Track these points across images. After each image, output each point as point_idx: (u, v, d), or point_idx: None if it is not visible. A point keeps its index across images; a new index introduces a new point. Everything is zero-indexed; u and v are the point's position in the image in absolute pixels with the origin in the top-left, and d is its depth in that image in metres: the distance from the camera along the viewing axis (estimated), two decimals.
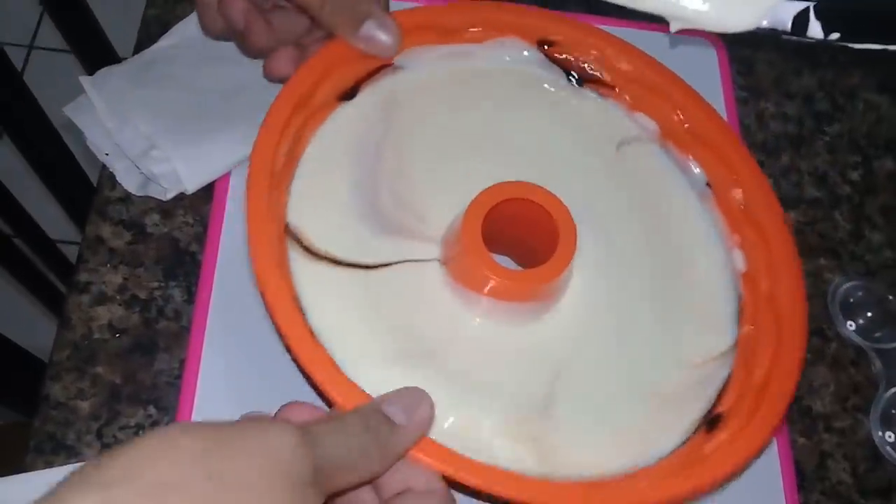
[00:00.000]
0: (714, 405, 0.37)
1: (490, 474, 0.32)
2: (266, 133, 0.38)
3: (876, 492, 0.46)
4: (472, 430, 0.35)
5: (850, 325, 0.49)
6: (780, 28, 0.34)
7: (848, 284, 0.49)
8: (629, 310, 0.39)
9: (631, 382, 0.37)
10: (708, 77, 0.54)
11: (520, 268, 0.41)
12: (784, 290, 0.38)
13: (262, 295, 0.35)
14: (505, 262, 0.42)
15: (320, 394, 0.34)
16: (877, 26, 0.34)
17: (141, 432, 0.42)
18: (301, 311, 0.37)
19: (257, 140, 0.38)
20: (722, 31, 0.34)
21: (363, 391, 0.33)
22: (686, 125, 0.42)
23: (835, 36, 0.34)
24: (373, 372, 0.35)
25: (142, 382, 0.43)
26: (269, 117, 0.38)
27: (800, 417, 0.47)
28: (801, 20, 0.34)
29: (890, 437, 0.46)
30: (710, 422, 0.36)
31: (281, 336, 0.35)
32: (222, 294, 0.44)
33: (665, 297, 0.39)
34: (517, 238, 0.39)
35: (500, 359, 0.37)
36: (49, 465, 0.41)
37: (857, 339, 0.48)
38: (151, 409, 0.43)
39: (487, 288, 0.36)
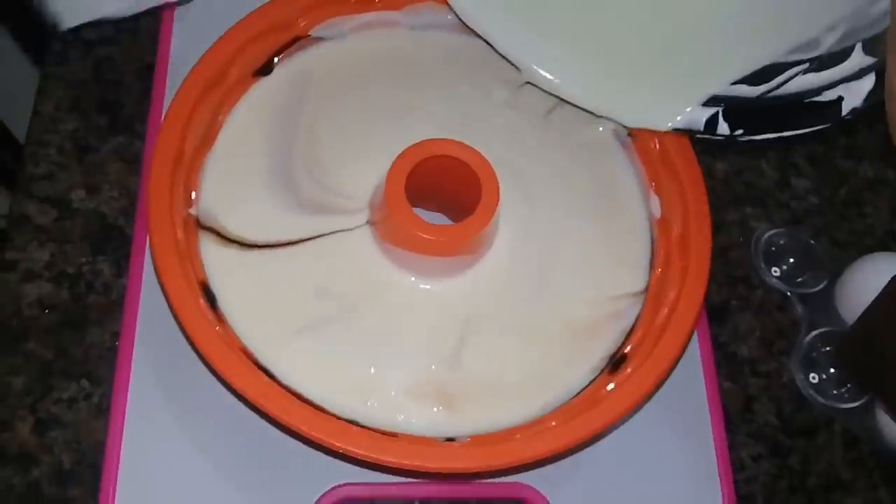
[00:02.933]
0: (621, 346, 0.38)
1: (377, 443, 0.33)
2: (172, 118, 0.38)
3: (800, 431, 0.47)
4: (381, 388, 0.36)
5: (775, 272, 0.50)
6: (693, 128, 0.41)
7: (771, 232, 0.50)
8: (550, 258, 0.40)
9: (544, 323, 0.38)
10: None
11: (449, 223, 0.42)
12: (693, 234, 0.39)
13: (162, 288, 0.35)
14: (440, 219, 0.43)
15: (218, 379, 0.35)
16: (771, 120, 0.41)
17: (75, 405, 0.43)
18: (211, 297, 0.37)
19: (161, 128, 0.38)
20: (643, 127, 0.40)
21: (262, 368, 0.34)
22: None
23: (739, 132, 0.42)
24: (283, 344, 0.36)
25: (74, 356, 0.44)
26: (176, 100, 0.38)
27: (725, 362, 0.48)
28: (712, 122, 0.41)
29: (813, 378, 0.48)
30: (616, 362, 0.37)
31: (187, 338, 0.35)
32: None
33: (585, 243, 0.40)
34: (445, 196, 0.40)
35: (419, 315, 0.38)
36: None
37: (781, 286, 0.49)
38: (84, 383, 0.43)
39: (413, 243, 0.37)
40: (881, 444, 0.46)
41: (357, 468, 0.41)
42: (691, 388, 0.46)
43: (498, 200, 0.37)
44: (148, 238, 0.35)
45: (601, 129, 0.43)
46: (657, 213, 0.41)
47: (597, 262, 0.40)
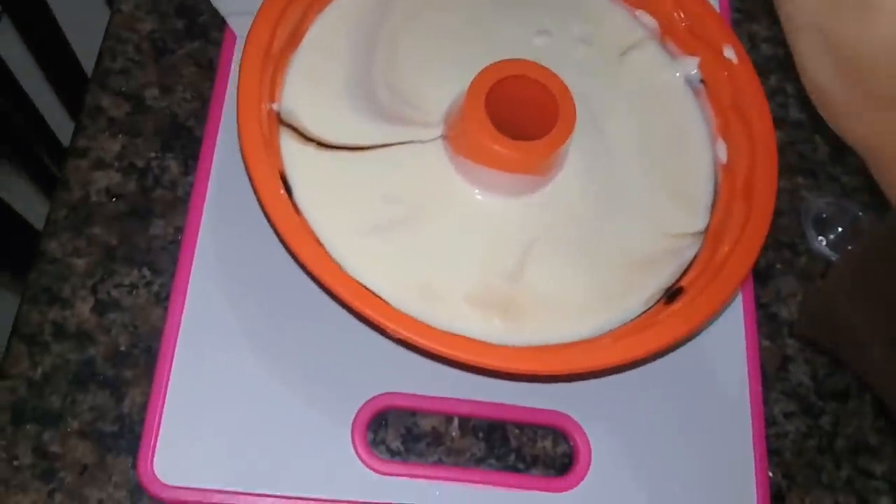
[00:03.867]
0: (678, 280, 0.39)
1: (443, 338, 0.34)
2: (262, 15, 0.39)
3: (832, 395, 0.48)
4: (443, 293, 0.36)
5: (822, 241, 0.51)
6: None
7: (821, 202, 0.51)
8: (615, 191, 0.41)
9: (605, 250, 0.39)
10: None
11: None
12: (759, 181, 0.39)
13: (248, 171, 0.36)
14: None
15: (297, 262, 0.36)
16: None
17: (135, 291, 0.44)
18: (288, 189, 0.38)
19: (253, 22, 0.39)
20: None
21: (333, 260, 0.35)
22: (685, 23, 0.44)
23: None
24: (352, 241, 0.37)
25: (137, 245, 0.45)
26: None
27: (766, 322, 0.49)
28: None
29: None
30: (671, 294, 0.38)
31: (262, 209, 0.36)
32: (222, 168, 0.45)
33: (650, 180, 0.41)
34: (521, 117, 0.40)
35: (485, 229, 0.39)
36: (42, 316, 0.42)
37: (827, 252, 0.50)
38: (146, 271, 0.44)
39: (487, 157, 0.38)
40: None
41: (401, 380, 0.42)
42: (732, 344, 0.47)
43: (574, 124, 0.38)
44: (237, 126, 0.36)
45: (676, 74, 0.43)
46: (724, 158, 0.42)
47: (660, 200, 0.41)
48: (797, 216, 0.52)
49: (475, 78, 0.38)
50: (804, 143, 0.54)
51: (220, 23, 0.49)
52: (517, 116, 0.39)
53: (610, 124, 0.42)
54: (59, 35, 0.69)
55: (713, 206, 0.41)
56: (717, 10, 0.55)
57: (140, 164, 0.46)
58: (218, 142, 0.46)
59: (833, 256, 0.50)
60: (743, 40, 0.56)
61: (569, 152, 0.40)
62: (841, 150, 0.54)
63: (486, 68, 0.38)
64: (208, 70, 0.49)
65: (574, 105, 0.38)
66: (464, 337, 0.34)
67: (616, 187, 0.41)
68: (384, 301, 0.35)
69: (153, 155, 0.47)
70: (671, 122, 0.43)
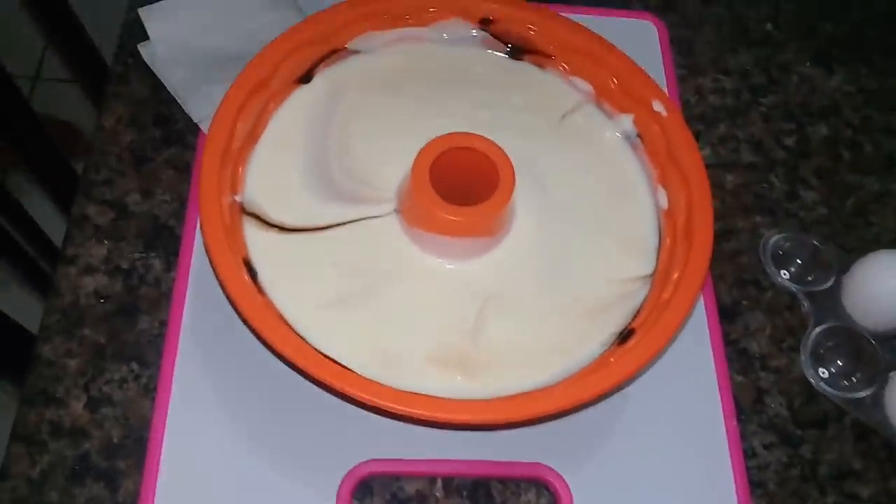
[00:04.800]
0: (630, 322, 0.40)
1: (400, 397, 0.36)
2: (220, 116, 0.42)
3: (811, 423, 0.49)
4: (405, 356, 0.38)
5: (784, 274, 0.52)
6: None
7: (778, 236, 0.53)
8: (566, 244, 0.43)
9: (559, 300, 0.41)
10: (650, 56, 0.59)
11: None
12: (697, 224, 0.42)
13: (210, 260, 0.39)
14: None
15: (261, 341, 0.38)
16: None
17: (125, 385, 0.46)
18: (253, 273, 0.41)
19: (211, 124, 0.42)
20: None
21: (298, 335, 0.37)
22: (616, 84, 0.47)
23: None
24: (316, 315, 0.39)
25: (125, 341, 0.47)
26: (224, 101, 0.42)
27: (737, 358, 0.50)
28: None
29: (823, 373, 0.49)
30: (624, 336, 0.40)
31: (231, 302, 0.39)
32: (201, 262, 0.48)
33: (599, 231, 0.44)
34: (466, 187, 0.43)
35: (439, 292, 0.41)
36: (39, 416, 0.45)
37: (789, 285, 0.52)
38: (134, 365, 0.47)
39: (436, 224, 0.40)
40: (890, 432, 0.48)
41: (381, 446, 0.44)
42: (704, 382, 0.48)
43: (514, 184, 0.40)
44: (199, 221, 0.39)
45: (614, 132, 0.46)
46: (665, 204, 0.44)
47: (609, 249, 0.43)
48: (758, 253, 0.53)
49: (419, 153, 0.41)
50: (759, 184, 0.56)
51: (194, 128, 0.53)
52: (463, 185, 0.42)
53: (556, 183, 0.45)
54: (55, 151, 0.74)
55: (658, 249, 0.43)
56: (662, 67, 0.58)
57: (125, 265, 0.49)
58: (196, 237, 0.49)
59: (796, 289, 0.52)
60: (690, 93, 0.59)
61: (517, 212, 0.43)
62: (795, 187, 0.56)
63: (429, 143, 0.41)
64: (185, 173, 0.52)
65: (513, 168, 0.41)
66: (417, 394, 0.36)
67: (566, 241, 0.43)
68: (346, 368, 0.37)
69: (137, 256, 0.50)
70: (614, 176, 0.45)
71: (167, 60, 0.53)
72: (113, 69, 0.56)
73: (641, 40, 0.59)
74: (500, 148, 0.41)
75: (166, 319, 0.47)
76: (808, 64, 0.62)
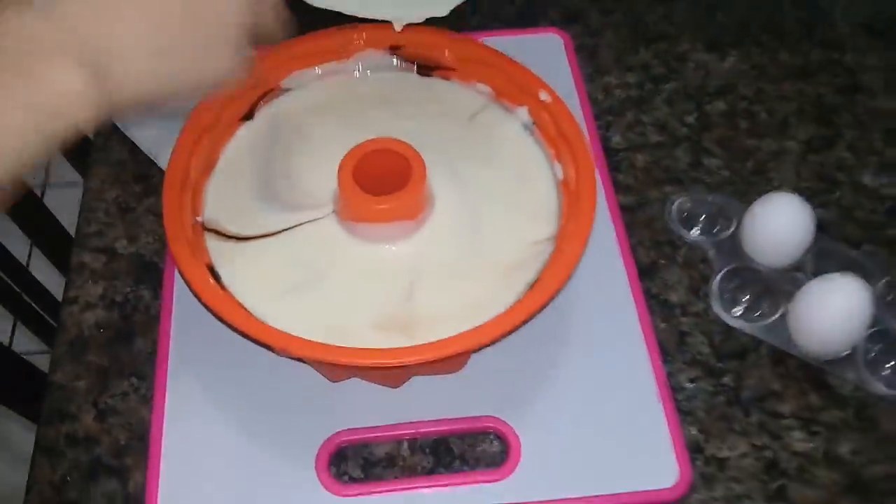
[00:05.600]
0: (539, 274, 0.47)
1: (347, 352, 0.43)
2: (174, 155, 0.51)
3: (731, 355, 0.55)
4: (350, 329, 0.46)
5: (695, 232, 0.59)
6: None
7: (683, 199, 0.60)
8: (481, 219, 0.51)
9: (480, 265, 0.49)
10: (559, 65, 0.67)
11: None
12: (583, 186, 0.49)
13: (178, 268, 0.47)
14: None
15: (228, 326, 0.46)
16: None
17: (127, 397, 0.53)
18: (217, 277, 0.49)
19: (169, 160, 0.50)
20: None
21: (256, 318, 0.45)
22: (510, 83, 0.55)
23: None
24: (272, 304, 0.47)
25: (124, 361, 0.55)
26: (177, 144, 0.51)
27: (660, 308, 0.57)
28: None
29: (736, 311, 0.56)
30: (533, 286, 0.47)
31: (195, 295, 0.46)
32: (181, 286, 0.56)
33: (509, 204, 0.52)
34: (387, 183, 0.50)
35: (377, 272, 0.48)
36: (57, 431, 0.52)
37: (699, 238, 0.58)
38: (133, 380, 0.54)
39: (364, 214, 0.48)
40: (798, 350, 0.54)
41: (351, 417, 0.51)
42: (631, 332, 0.55)
43: (425, 173, 0.48)
44: (167, 239, 0.47)
45: (515, 123, 0.54)
46: (560, 176, 0.52)
47: (520, 218, 0.51)
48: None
49: (343, 158, 0.49)
50: (667, 159, 0.64)
51: None
52: (385, 181, 0.49)
53: (470, 172, 0.53)
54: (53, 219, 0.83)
55: (559, 214, 0.51)
56: (570, 72, 0.66)
57: (119, 299, 0.57)
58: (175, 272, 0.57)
59: (705, 241, 0.58)
60: (598, 92, 0.67)
61: (438, 198, 0.50)
62: (699, 157, 0.64)
63: (351, 150, 0.49)
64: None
65: (422, 161, 0.49)
66: (360, 348, 0.43)
67: (483, 216, 0.51)
68: (294, 336, 0.44)
69: (128, 290, 0.58)
70: (518, 158, 0.53)
71: (138, 124, 0.62)
72: (94, 140, 0.65)
73: (551, 52, 0.68)
74: (409, 146, 0.49)
75: (157, 338, 0.55)
76: (703, 51, 0.70)
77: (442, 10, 0.52)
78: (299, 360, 0.49)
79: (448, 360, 0.43)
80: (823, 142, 0.65)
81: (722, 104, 0.67)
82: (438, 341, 0.43)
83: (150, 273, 0.58)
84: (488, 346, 0.45)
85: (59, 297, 0.59)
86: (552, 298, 0.45)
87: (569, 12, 0.72)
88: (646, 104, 0.67)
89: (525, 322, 0.44)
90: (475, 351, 0.46)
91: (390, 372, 0.48)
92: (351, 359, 0.43)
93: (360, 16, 0.52)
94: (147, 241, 0.60)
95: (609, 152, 0.63)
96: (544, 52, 0.67)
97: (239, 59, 0.41)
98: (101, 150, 0.64)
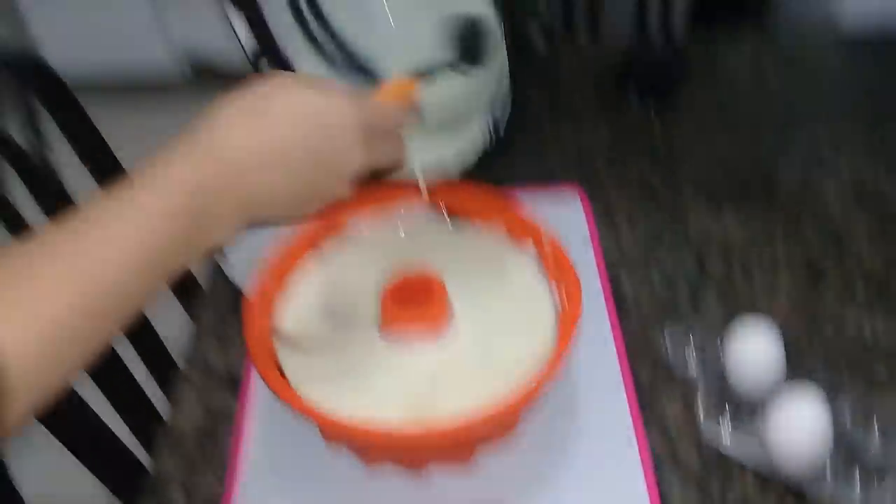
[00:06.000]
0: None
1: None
2: (257, 283, 0.66)
3: (717, 469, 0.64)
4: (382, 418, 0.58)
5: (689, 358, 0.70)
6: None
7: (677, 330, 0.71)
8: (493, 334, 0.64)
9: (492, 369, 0.62)
10: (576, 217, 0.81)
11: None
12: (570, 302, 0.63)
13: (255, 367, 0.61)
14: None
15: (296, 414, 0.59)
16: None
17: (211, 485, 0.66)
18: (282, 371, 0.62)
19: (252, 293, 0.65)
20: None
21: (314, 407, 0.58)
22: (523, 228, 0.70)
23: None
24: (321, 392, 0.60)
25: (211, 453, 0.68)
26: (259, 274, 0.66)
27: (655, 423, 0.67)
28: None
29: (721, 430, 0.65)
30: None
31: (268, 386, 0.60)
32: (257, 394, 0.69)
33: (516, 323, 0.65)
34: (418, 302, 0.64)
35: (408, 372, 0.62)
36: None
37: (691, 367, 0.69)
38: (218, 470, 0.67)
39: (395, 324, 0.63)
40: (774, 470, 0.62)
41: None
42: (625, 445, 0.65)
43: (445, 293, 0.64)
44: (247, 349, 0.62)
45: (524, 257, 0.69)
46: (555, 291, 0.66)
47: (525, 336, 0.64)
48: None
49: (385, 284, 0.64)
50: (665, 297, 0.75)
51: None
52: (415, 301, 0.64)
53: (485, 295, 0.67)
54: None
55: (557, 321, 0.64)
56: (585, 220, 0.79)
57: (214, 406, 0.71)
58: (255, 382, 0.70)
59: (697, 368, 0.69)
60: (611, 239, 0.80)
61: (457, 316, 0.65)
62: (696, 298, 0.75)
63: (391, 278, 0.65)
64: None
65: (443, 285, 0.64)
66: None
67: (494, 332, 0.65)
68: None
69: (219, 397, 0.71)
70: (526, 288, 0.67)
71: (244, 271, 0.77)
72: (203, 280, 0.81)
73: (568, 204, 0.82)
74: (435, 275, 0.64)
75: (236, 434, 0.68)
76: (703, 206, 0.82)
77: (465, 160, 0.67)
78: (338, 439, 0.61)
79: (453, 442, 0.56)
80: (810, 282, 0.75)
81: (720, 263, 0.78)
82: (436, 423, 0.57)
83: (235, 383, 0.72)
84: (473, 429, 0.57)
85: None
86: (528, 398, 0.58)
87: (586, 171, 0.86)
88: (652, 252, 0.79)
89: (506, 415, 0.57)
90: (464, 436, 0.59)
91: (409, 454, 0.61)
92: (378, 436, 0.56)
93: None
94: (234, 355, 0.74)
95: (618, 294, 0.75)
96: (562, 204, 0.82)
97: (349, 190, 0.55)
98: (210, 293, 0.80)
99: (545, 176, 0.86)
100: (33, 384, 0.43)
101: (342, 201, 0.56)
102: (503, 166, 0.83)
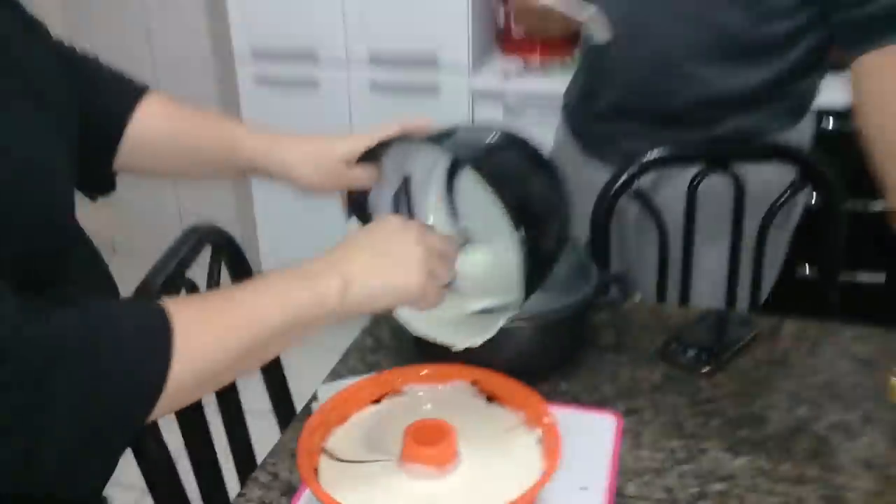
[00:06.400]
0: None
1: None
2: (310, 421, 0.85)
3: None
4: None
5: None
6: None
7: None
8: (491, 478, 0.80)
9: (483, 500, 0.77)
10: (607, 435, 0.93)
11: None
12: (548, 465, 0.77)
13: (302, 478, 0.78)
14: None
15: None
16: None
17: None
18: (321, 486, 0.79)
19: (303, 427, 0.84)
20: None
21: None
22: (538, 419, 0.85)
23: None
24: (349, 498, 0.76)
25: None
26: (315, 415, 0.86)
27: None
28: None
29: None
30: None
31: (305, 481, 0.77)
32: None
33: (510, 478, 0.80)
34: (433, 444, 0.81)
35: (414, 491, 0.79)
36: None
37: None
38: None
39: (417, 459, 0.80)
40: None
41: None
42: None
43: (454, 437, 0.80)
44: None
45: (530, 438, 0.84)
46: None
47: (518, 471, 0.79)
48: None
49: (407, 428, 0.82)
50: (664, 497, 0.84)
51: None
52: (432, 443, 0.80)
53: (491, 453, 0.83)
54: None
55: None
56: (612, 445, 0.92)
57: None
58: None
59: None
60: (630, 457, 0.91)
61: (462, 461, 0.81)
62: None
63: (416, 422, 0.83)
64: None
65: (454, 432, 0.81)
66: None
67: (494, 474, 0.80)
68: None
69: (279, 498, 0.88)
70: (524, 457, 0.83)
71: None
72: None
73: (604, 427, 0.95)
74: (448, 423, 0.82)
75: None
76: (720, 450, 0.92)
77: (487, 335, 0.84)
78: None
79: None
80: None
81: (720, 487, 0.87)
82: None
83: (290, 491, 0.89)
84: None
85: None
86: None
87: (630, 403, 0.99)
88: (662, 473, 0.89)
89: None
90: None
91: None
92: None
93: (426, 338, 0.87)
94: (292, 473, 0.92)
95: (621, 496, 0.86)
96: (598, 426, 0.95)
97: (425, 287, 0.77)
98: (300, 418, 1.00)
99: (593, 394, 1.01)
100: (186, 395, 0.67)
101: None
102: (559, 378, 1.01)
